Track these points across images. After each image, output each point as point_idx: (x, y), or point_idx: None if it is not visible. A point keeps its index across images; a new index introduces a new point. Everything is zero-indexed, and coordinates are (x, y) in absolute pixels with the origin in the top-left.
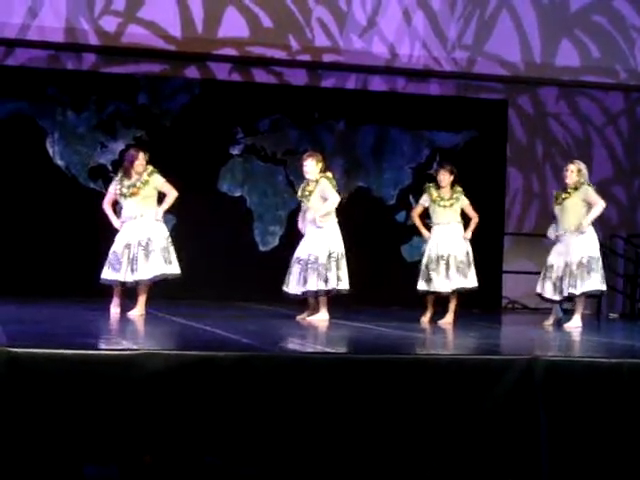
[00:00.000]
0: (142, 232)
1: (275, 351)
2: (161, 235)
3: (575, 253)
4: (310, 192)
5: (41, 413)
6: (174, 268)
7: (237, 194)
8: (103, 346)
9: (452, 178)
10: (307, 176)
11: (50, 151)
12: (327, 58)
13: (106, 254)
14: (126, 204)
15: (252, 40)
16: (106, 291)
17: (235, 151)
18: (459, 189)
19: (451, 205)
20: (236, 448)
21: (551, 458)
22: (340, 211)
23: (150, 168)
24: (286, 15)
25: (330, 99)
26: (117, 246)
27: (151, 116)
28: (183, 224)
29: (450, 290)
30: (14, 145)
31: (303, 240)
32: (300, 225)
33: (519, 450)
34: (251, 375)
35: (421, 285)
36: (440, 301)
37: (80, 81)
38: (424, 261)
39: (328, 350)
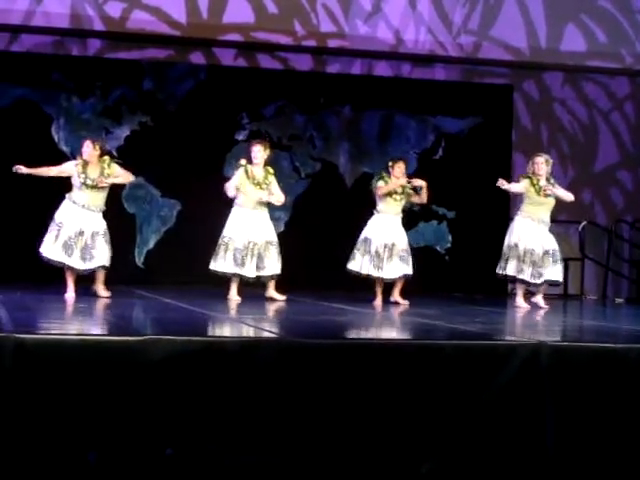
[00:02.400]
0: (98, 223)
1: (281, 336)
2: (106, 228)
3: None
4: None
5: (47, 399)
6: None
7: None
8: (109, 332)
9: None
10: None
11: (55, 137)
12: (332, 43)
13: (112, 241)
14: (86, 193)
15: (257, 26)
16: (107, 278)
17: (240, 137)
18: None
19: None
20: (239, 436)
21: (557, 443)
22: (345, 197)
23: (107, 159)
24: (291, 1)
25: (335, 85)
26: (70, 230)
27: (156, 102)
28: (188, 210)
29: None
30: (19, 131)
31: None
32: None
33: (525, 436)
34: (256, 360)
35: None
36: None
37: (85, 67)
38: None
39: (330, 335)
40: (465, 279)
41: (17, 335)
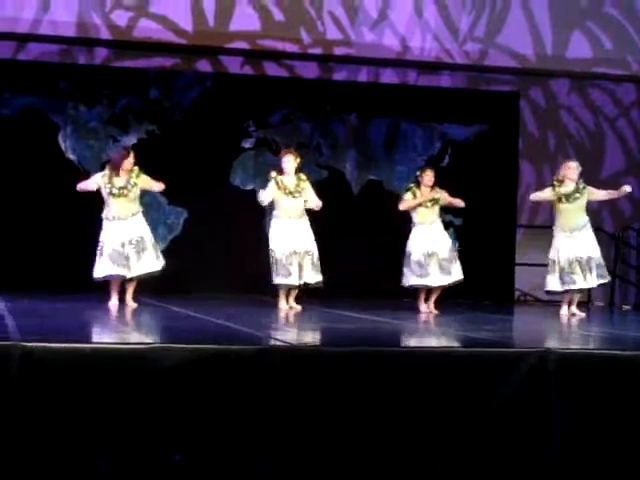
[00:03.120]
0: (133, 231)
1: (290, 344)
2: (149, 232)
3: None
4: None
5: (55, 407)
6: (161, 263)
7: (249, 187)
8: (117, 340)
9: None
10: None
11: (62, 146)
12: (338, 51)
13: None
14: (115, 204)
15: (264, 33)
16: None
17: (247, 144)
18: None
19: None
20: (249, 441)
21: (564, 451)
22: (352, 204)
23: (136, 169)
24: (297, 8)
25: (342, 92)
26: (115, 244)
27: (163, 110)
28: (195, 218)
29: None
30: (26, 140)
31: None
32: None
33: (532, 443)
34: (265, 368)
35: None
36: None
37: (92, 75)
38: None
39: (340, 343)
40: (472, 286)
41: (24, 343)
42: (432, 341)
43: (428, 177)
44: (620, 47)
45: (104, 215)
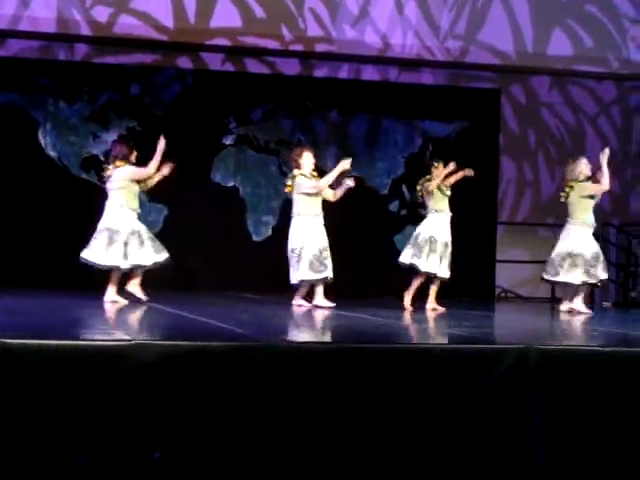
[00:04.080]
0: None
1: (268, 341)
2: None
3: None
4: None
5: (34, 404)
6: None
7: (230, 184)
8: (96, 337)
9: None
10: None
11: (42, 142)
12: (320, 48)
13: None
14: (136, 195)
15: (245, 30)
16: (99, 282)
17: (228, 141)
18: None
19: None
20: (230, 437)
21: (544, 446)
22: (333, 201)
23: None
24: (278, 5)
25: (323, 89)
26: (124, 234)
27: (144, 106)
28: (176, 214)
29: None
30: (6, 136)
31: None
32: None
33: (513, 439)
34: (244, 365)
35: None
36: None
37: (72, 72)
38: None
39: (322, 339)
40: (453, 283)
41: (4, 340)
42: (413, 338)
43: (441, 168)
44: (600, 45)
45: (119, 204)
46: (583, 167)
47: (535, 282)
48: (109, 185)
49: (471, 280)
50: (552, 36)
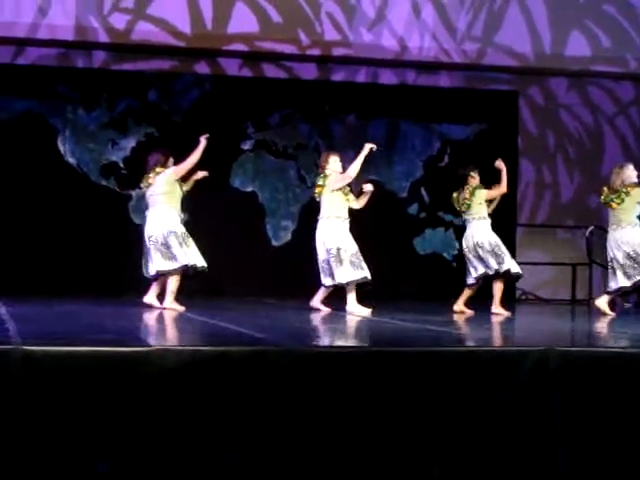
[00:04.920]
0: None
1: (289, 345)
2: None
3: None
4: None
5: (55, 410)
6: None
7: (249, 189)
8: (116, 343)
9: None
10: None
11: (61, 149)
12: (337, 52)
13: (119, 252)
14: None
15: (262, 35)
16: (115, 289)
17: (246, 146)
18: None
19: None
20: (250, 443)
21: (566, 449)
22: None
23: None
24: (295, 9)
25: (340, 93)
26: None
27: (162, 113)
28: (195, 220)
29: None
30: (25, 144)
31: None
32: None
33: (535, 441)
34: (265, 370)
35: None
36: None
37: (90, 79)
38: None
39: (342, 344)
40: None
41: (25, 347)
42: (433, 340)
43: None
44: (618, 45)
45: (168, 207)
46: (631, 172)
47: (555, 284)
48: (152, 191)
49: (491, 282)
50: (570, 37)
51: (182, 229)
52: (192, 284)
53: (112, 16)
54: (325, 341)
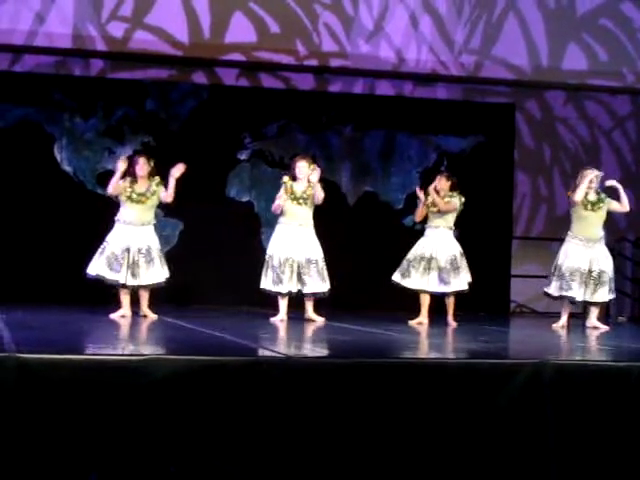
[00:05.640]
0: (143, 239)
1: (282, 355)
2: (157, 243)
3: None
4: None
5: (49, 419)
6: (166, 273)
7: (245, 199)
8: (111, 352)
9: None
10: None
11: (58, 157)
12: (334, 63)
13: None
14: (130, 208)
15: (259, 45)
16: (112, 298)
17: (243, 156)
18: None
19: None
20: (244, 451)
21: (559, 462)
22: (348, 215)
23: (158, 179)
24: (293, 20)
25: (337, 104)
26: (115, 247)
27: (159, 122)
28: (191, 229)
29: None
30: (22, 151)
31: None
32: None
33: (527, 455)
34: (258, 379)
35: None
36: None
37: (87, 87)
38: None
39: (336, 354)
40: (468, 297)
41: (20, 355)
42: (427, 353)
43: (438, 182)
44: (615, 59)
45: (117, 217)
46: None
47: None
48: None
49: (486, 295)
50: (567, 50)
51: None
52: (187, 294)
53: (110, 24)
54: (319, 352)
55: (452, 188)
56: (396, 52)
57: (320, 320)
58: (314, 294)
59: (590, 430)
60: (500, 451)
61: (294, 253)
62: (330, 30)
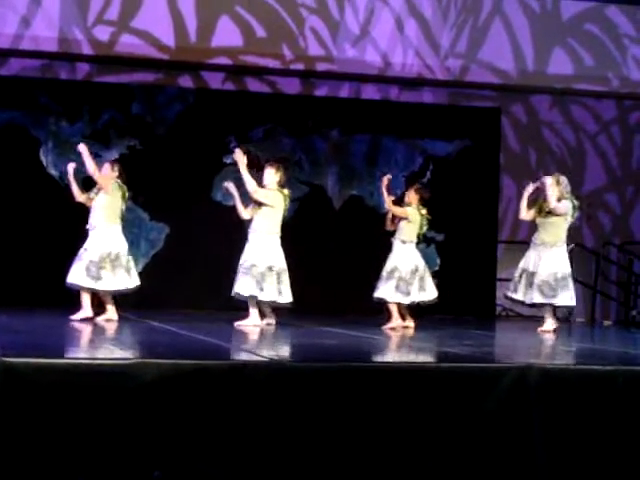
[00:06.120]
0: (111, 245)
1: (269, 360)
2: (125, 248)
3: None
4: None
5: (36, 423)
6: (134, 281)
7: (231, 203)
8: (97, 356)
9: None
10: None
11: (43, 161)
12: (320, 67)
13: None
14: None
15: (245, 49)
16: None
17: (229, 160)
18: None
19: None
20: (230, 455)
21: (545, 466)
22: (334, 220)
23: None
24: (279, 24)
25: (323, 108)
26: (93, 255)
27: (145, 125)
28: (177, 233)
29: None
30: (7, 155)
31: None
32: None
33: (514, 458)
34: (244, 383)
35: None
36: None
37: (73, 91)
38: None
39: (321, 358)
40: (454, 302)
41: (5, 359)
42: (413, 357)
43: (407, 195)
44: (601, 63)
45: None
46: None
47: None
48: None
49: (472, 298)
50: (552, 55)
51: None
52: (172, 298)
53: (96, 28)
54: (304, 356)
55: (420, 201)
56: (382, 56)
57: (273, 322)
58: (282, 303)
59: (576, 433)
60: (487, 454)
61: (273, 262)
62: (316, 34)
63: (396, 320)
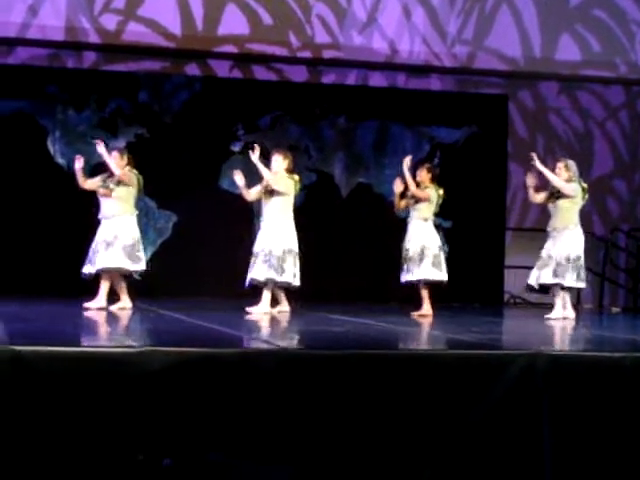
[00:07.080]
0: (108, 231)
1: (276, 347)
2: (128, 234)
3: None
4: None
5: (45, 411)
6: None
7: (238, 191)
8: (106, 344)
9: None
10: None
11: (51, 150)
12: (327, 54)
13: None
14: (102, 202)
15: (252, 37)
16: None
17: (236, 148)
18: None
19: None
20: (239, 443)
21: (554, 453)
22: (341, 207)
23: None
24: (286, 12)
25: (331, 95)
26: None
27: (152, 114)
28: (184, 221)
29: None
30: (15, 144)
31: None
32: None
33: (522, 446)
34: (252, 371)
35: None
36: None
37: (81, 79)
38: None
39: (330, 345)
40: (462, 288)
41: (14, 347)
42: (422, 344)
43: (418, 174)
44: (608, 49)
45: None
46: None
47: None
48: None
49: (480, 286)
50: (560, 41)
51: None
52: (180, 285)
53: (103, 17)
54: (312, 343)
55: (432, 180)
56: (389, 43)
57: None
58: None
59: (584, 420)
60: (495, 441)
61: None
62: (323, 22)
63: (428, 306)
